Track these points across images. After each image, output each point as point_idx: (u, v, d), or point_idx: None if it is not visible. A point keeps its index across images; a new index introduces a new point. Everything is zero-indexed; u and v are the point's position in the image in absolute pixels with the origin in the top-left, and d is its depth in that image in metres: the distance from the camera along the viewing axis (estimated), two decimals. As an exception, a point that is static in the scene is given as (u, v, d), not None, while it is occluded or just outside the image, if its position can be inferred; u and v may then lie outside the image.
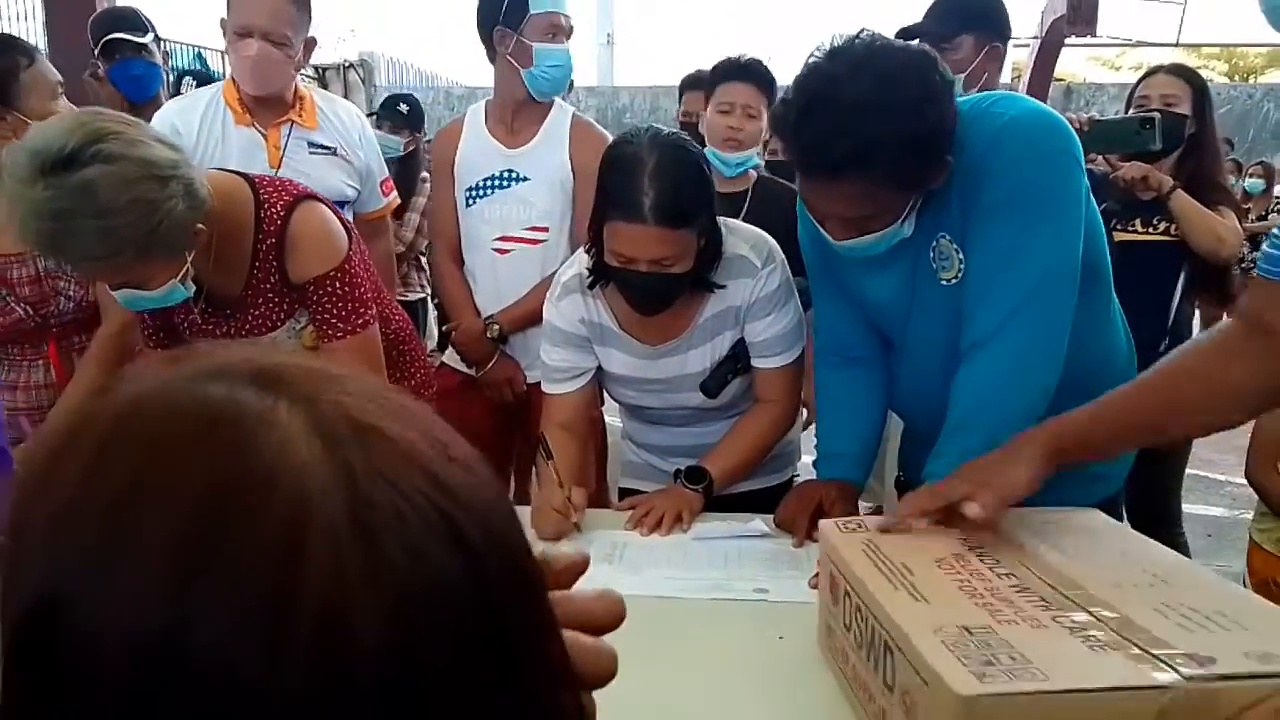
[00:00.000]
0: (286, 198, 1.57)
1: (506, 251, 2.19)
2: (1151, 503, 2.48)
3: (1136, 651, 0.82)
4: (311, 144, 2.17)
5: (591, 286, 1.66)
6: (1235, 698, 0.77)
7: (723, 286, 1.63)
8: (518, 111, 2.20)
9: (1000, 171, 1.33)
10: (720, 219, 1.63)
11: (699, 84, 2.88)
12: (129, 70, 2.69)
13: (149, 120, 2.26)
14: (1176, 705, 0.76)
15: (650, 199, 1.45)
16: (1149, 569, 1.00)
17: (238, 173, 1.63)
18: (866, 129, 1.22)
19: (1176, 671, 0.78)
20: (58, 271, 1.91)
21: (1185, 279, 2.47)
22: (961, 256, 1.39)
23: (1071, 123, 2.15)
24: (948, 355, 1.42)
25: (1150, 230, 2.45)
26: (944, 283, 1.41)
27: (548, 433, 1.66)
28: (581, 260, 1.67)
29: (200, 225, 1.42)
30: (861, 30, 1.30)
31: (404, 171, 3.75)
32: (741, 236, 1.67)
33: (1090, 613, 0.90)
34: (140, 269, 1.38)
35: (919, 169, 1.29)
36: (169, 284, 1.42)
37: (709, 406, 1.74)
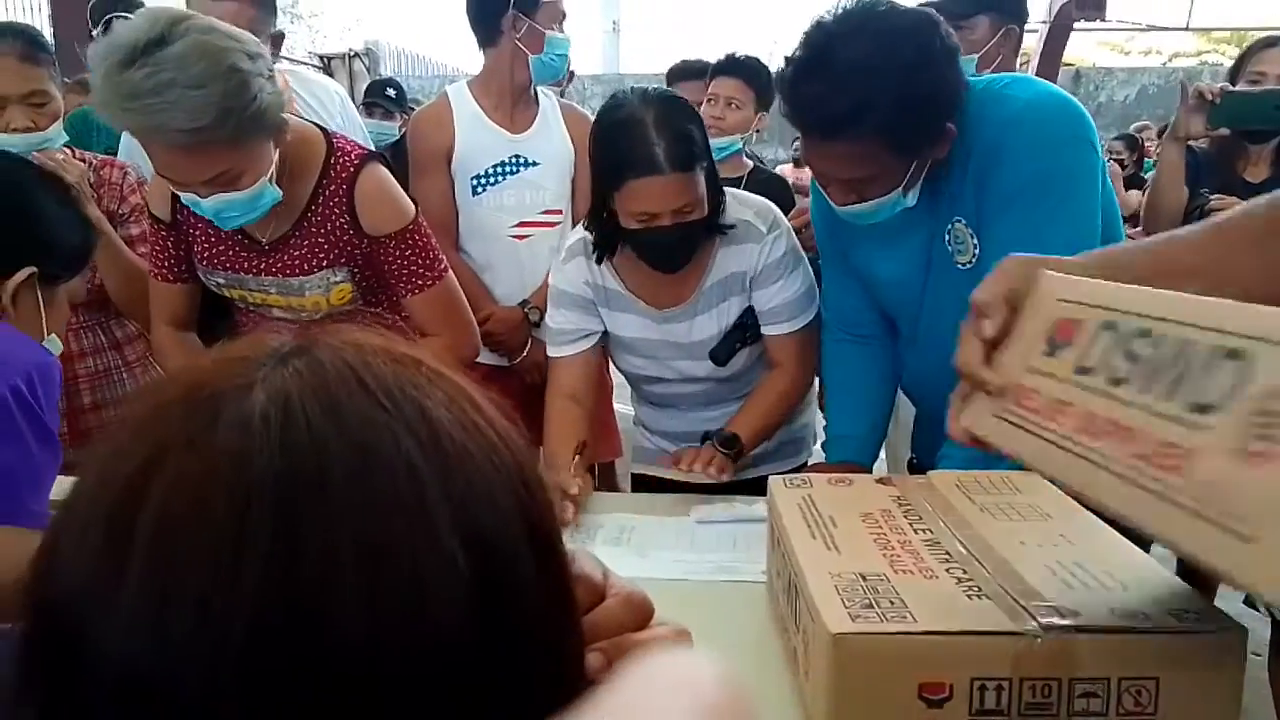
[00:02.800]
0: (361, 152, 1.61)
1: (525, 237, 2.20)
2: None
3: (1009, 602, 0.84)
4: None
5: (599, 261, 1.67)
6: (1094, 650, 0.79)
7: (732, 226, 1.63)
8: (518, 98, 2.20)
9: (1016, 157, 1.32)
10: (726, 189, 1.64)
11: (685, 74, 3.02)
12: None
13: None
14: (1031, 652, 0.79)
15: (663, 149, 1.48)
16: (1061, 531, 1.02)
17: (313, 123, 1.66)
18: (859, 90, 1.22)
19: (1036, 621, 0.81)
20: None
21: None
22: (976, 241, 1.38)
23: (1204, 93, 2.08)
24: (962, 339, 1.41)
25: None
26: (959, 267, 1.41)
27: (553, 404, 1.67)
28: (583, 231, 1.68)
29: (281, 129, 1.43)
30: None
31: (402, 156, 3.76)
32: (745, 204, 1.68)
33: (983, 565, 0.93)
34: (236, 154, 1.37)
35: (914, 133, 1.29)
36: (259, 182, 1.42)
37: (718, 378, 1.74)
